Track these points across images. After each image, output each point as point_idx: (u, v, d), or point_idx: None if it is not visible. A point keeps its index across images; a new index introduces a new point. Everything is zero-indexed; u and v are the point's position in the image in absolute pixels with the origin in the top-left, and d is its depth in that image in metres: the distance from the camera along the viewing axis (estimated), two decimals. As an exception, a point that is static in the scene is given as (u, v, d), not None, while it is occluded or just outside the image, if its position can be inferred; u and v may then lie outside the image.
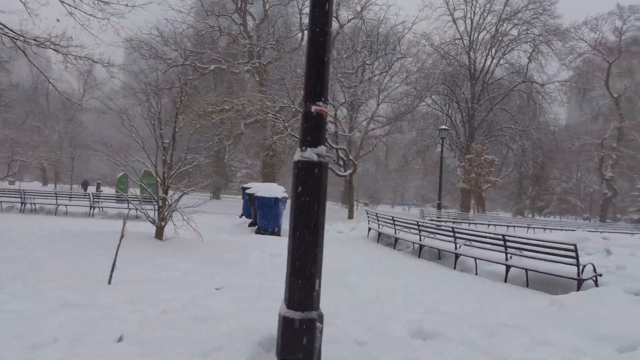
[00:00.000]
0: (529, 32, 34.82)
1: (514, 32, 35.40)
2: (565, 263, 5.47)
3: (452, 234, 7.22)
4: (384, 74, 41.68)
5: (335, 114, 24.43)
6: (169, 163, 8.55)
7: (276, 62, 29.97)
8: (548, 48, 34.64)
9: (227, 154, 30.18)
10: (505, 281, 6.30)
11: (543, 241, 5.71)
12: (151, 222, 8.25)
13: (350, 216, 25.30)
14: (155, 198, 8.52)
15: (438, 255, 8.31)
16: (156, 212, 8.42)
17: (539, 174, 38.76)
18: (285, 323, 2.62)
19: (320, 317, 2.69)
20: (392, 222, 9.48)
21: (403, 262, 7.68)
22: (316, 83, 2.84)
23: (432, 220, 19.78)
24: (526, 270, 6.10)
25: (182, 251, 7.18)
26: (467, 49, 36.74)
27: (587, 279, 5.37)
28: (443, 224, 16.42)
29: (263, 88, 24.58)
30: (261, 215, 11.06)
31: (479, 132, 38.11)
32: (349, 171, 24.79)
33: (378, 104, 48.65)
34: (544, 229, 21.28)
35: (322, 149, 2.85)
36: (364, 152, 51.51)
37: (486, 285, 6.05)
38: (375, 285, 5.44)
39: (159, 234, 8.12)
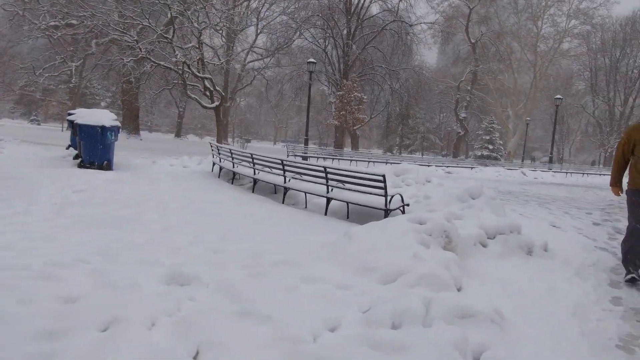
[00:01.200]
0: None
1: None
2: (376, 194, 5.39)
3: (281, 167, 6.80)
4: (263, 1, 39.32)
5: (199, 39, 22.21)
6: None
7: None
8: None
9: (73, 76, 26.04)
10: (326, 214, 6.13)
11: (359, 173, 5.55)
12: None
13: (218, 151, 24.20)
14: None
15: (274, 190, 7.93)
16: None
17: (404, 113, 41.24)
18: None
19: None
20: (230, 155, 8.79)
21: (228, 196, 7.11)
22: None
23: (295, 156, 19.70)
24: (347, 203, 5.98)
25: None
26: (345, -18, 36.00)
27: (394, 209, 5.38)
28: (294, 160, 16.30)
29: (123, 3, 21.04)
30: (85, 146, 9.46)
31: (353, 69, 38.71)
32: (216, 103, 23.24)
33: (257, 34, 46.29)
34: (386, 162, 22.59)
35: None
36: (242, 85, 49.44)
37: (305, 218, 5.80)
38: (171, 222, 4.79)
39: None
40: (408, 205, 5.68)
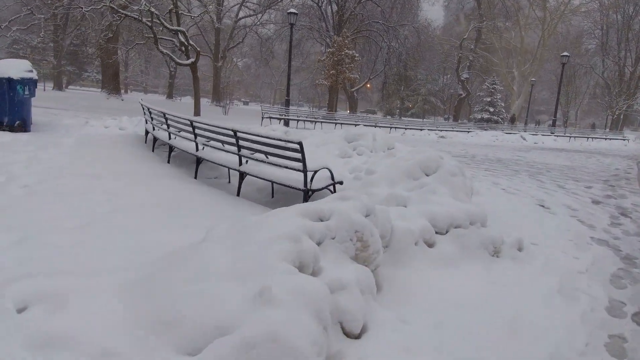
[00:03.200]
0: None
1: None
2: (295, 169, 3.93)
3: (192, 130, 5.29)
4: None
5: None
6: None
7: None
8: None
9: (42, 30, 24.04)
10: (238, 194, 4.68)
11: (274, 140, 4.03)
12: None
13: (197, 113, 22.48)
14: None
15: (197, 160, 6.42)
16: None
17: (402, 74, 38.98)
18: None
19: None
20: (151, 117, 7.25)
21: (127, 169, 5.60)
22: None
23: (271, 119, 18.04)
24: (270, 181, 4.50)
25: None
26: None
27: (319, 189, 3.95)
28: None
29: None
30: (-8, 102, 7.96)
31: (348, 26, 36.23)
32: (192, 59, 21.29)
33: (248, -13, 43.46)
34: (375, 125, 20.98)
35: None
36: (234, 43, 47.01)
37: (207, 201, 4.35)
38: None
39: None
40: (341, 183, 4.22)
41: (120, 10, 18.29)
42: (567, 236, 4.33)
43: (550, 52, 48.64)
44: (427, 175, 4.06)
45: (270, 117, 17.61)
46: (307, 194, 3.87)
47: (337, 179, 4.35)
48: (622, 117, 47.39)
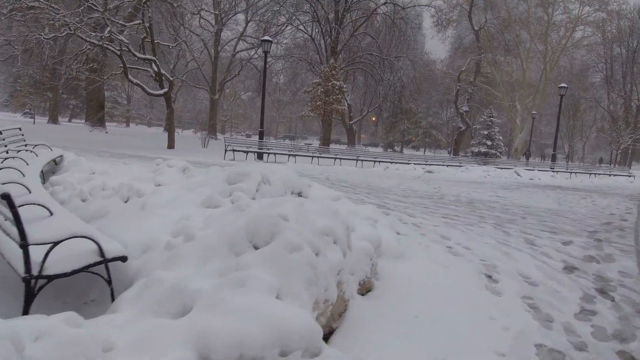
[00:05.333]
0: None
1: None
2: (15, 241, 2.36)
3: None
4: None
5: (143, 13, 19.12)
6: None
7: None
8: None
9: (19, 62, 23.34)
10: None
11: None
12: None
13: (171, 145, 21.26)
14: None
15: None
16: None
17: (397, 106, 37.86)
18: None
19: None
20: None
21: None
22: None
23: (234, 152, 16.62)
24: None
25: None
26: (331, -39, 32.69)
27: (64, 274, 2.28)
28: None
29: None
30: None
31: (342, 57, 35.47)
32: (165, 89, 20.25)
33: (247, 22, 43.45)
34: (357, 158, 19.55)
35: None
36: (230, 76, 46.72)
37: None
38: None
39: None
40: (123, 260, 2.64)
41: (81, 36, 17.38)
42: (499, 345, 2.69)
43: (553, 85, 47.46)
44: (256, 249, 2.49)
45: (234, 150, 16.17)
46: (32, 286, 2.29)
47: (140, 246, 2.79)
48: (630, 151, 45.58)
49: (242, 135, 69.84)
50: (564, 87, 23.20)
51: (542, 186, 15.84)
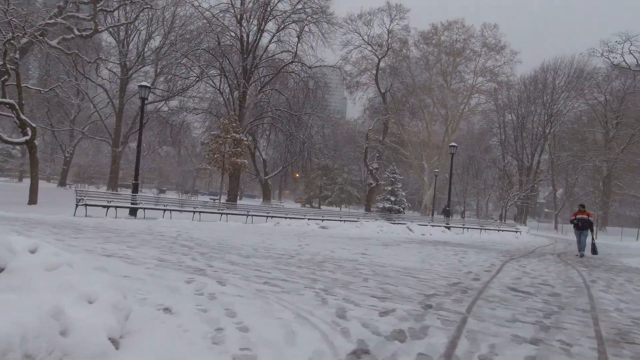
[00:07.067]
0: (299, 10, 32.80)
1: (286, 6, 32.96)
2: None
3: None
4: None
5: (6, 50, 17.01)
6: None
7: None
8: (317, 29, 33.22)
9: None
10: None
11: None
12: None
13: (33, 200, 18.43)
14: None
15: None
16: None
17: (306, 164, 37.72)
18: None
19: None
20: None
21: None
22: None
23: (87, 206, 14.55)
24: None
25: None
26: (239, 18, 32.92)
27: None
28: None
29: None
30: None
31: (250, 112, 35.01)
32: (26, 137, 17.85)
33: (156, 73, 41.97)
34: (209, 212, 18.36)
35: None
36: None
37: None
38: None
39: None
40: None
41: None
42: None
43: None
44: None
45: (87, 205, 14.02)
46: None
47: None
48: (525, 208, 49.04)
49: (151, 191, 65.59)
50: (454, 146, 24.23)
51: (429, 242, 15.52)
